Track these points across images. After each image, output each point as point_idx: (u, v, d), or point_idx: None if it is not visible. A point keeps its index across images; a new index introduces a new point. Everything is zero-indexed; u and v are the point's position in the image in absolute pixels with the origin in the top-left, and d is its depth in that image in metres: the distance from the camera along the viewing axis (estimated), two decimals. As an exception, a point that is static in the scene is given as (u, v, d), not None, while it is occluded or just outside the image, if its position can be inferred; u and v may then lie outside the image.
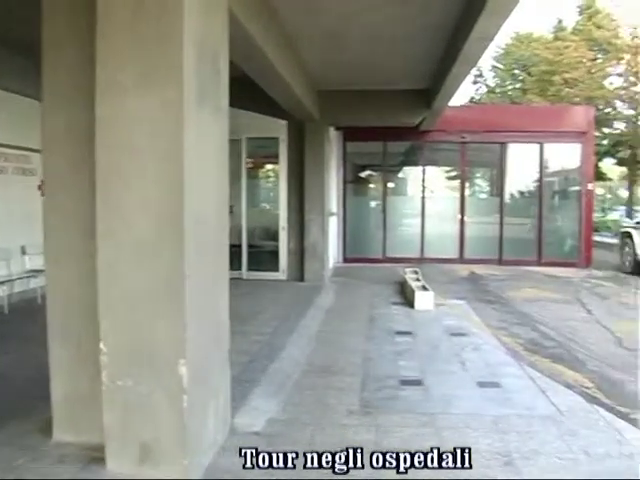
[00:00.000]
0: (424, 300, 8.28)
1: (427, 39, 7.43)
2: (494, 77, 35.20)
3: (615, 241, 15.70)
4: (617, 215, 33.53)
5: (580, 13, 29.17)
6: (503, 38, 33.03)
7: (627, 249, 13.21)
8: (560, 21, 31.58)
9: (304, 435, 3.81)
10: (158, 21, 2.99)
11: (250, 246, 10.83)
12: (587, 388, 5.08)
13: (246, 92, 8.18)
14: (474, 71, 33.66)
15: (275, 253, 10.84)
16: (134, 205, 3.06)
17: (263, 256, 10.97)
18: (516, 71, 33.41)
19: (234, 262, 10.55)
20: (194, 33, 3.10)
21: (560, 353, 6.27)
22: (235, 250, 10.57)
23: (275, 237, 10.86)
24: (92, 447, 3.37)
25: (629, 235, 13.14)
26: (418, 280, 9.62)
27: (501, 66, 34.30)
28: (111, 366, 3.13)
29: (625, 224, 14.56)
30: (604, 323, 7.74)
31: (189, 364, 3.05)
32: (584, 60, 23.92)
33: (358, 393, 4.66)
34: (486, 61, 34.12)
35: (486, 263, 13.62)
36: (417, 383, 4.95)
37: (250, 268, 10.75)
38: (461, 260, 13.92)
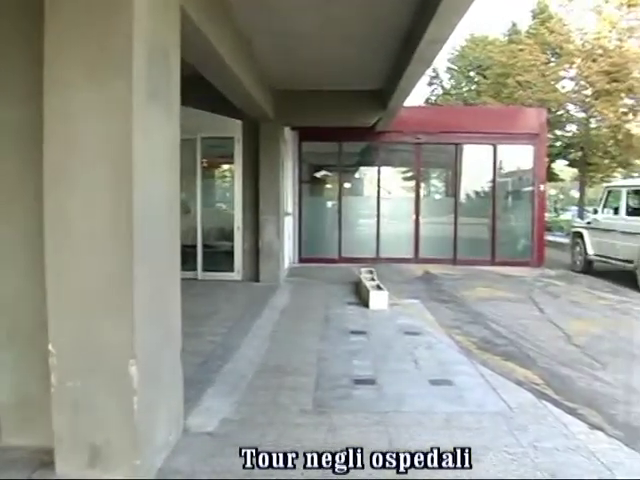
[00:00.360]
0: (379, 300, 8.33)
1: (381, 40, 7.49)
2: (450, 79, 35.68)
3: (567, 241, 16.06)
4: (569, 215, 34.35)
5: (533, 17, 29.79)
6: (458, 40, 33.61)
7: (578, 249, 13.53)
8: (514, 24, 32.22)
9: (257, 435, 3.81)
10: (107, 17, 2.96)
11: (205, 246, 10.74)
12: (537, 385, 5.19)
13: (201, 91, 8.10)
14: (430, 72, 34.06)
15: (230, 253, 10.77)
16: (82, 204, 3.03)
17: (218, 256, 10.89)
18: (471, 73, 33.92)
19: (189, 263, 10.46)
20: (144, 30, 3.08)
21: (512, 351, 6.39)
22: (190, 251, 10.48)
23: (230, 237, 10.80)
24: (42, 450, 3.31)
25: (580, 235, 13.44)
26: (373, 280, 9.67)
27: (457, 68, 34.83)
28: (60, 367, 3.09)
29: (576, 224, 14.84)
30: (555, 321, 7.92)
31: (139, 364, 3.03)
32: (537, 63, 24.31)
33: (312, 393, 4.68)
34: (442, 63, 34.63)
35: (441, 263, 13.79)
36: (370, 382, 5.00)
37: (205, 269, 10.66)
38: (416, 260, 14.06)
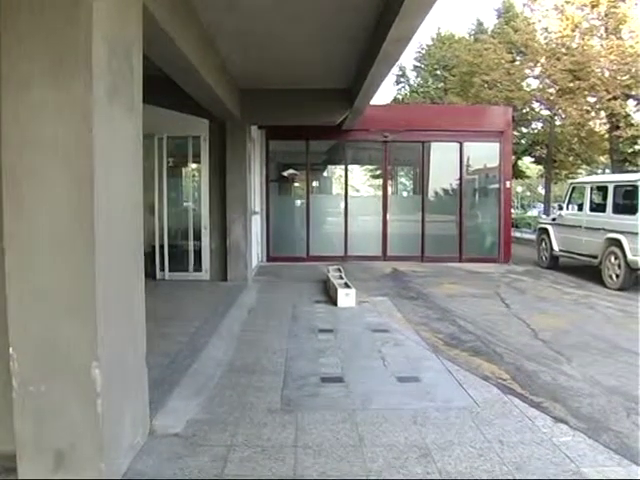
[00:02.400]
0: (347, 298, 8.39)
1: (346, 38, 7.50)
2: (416, 77, 35.97)
3: (534, 237, 16.28)
4: (536, 212, 34.84)
5: (499, 16, 30.18)
6: (425, 39, 34.00)
7: (544, 245, 13.75)
8: (480, 23, 32.64)
9: (225, 435, 3.81)
10: (66, 12, 2.91)
11: (172, 246, 10.64)
12: (503, 380, 5.26)
13: (167, 90, 8.05)
14: (396, 71, 34.41)
15: (197, 253, 10.71)
16: (42, 203, 2.97)
17: (185, 256, 10.80)
18: (438, 72, 34.20)
19: (155, 263, 10.38)
20: (105, 27, 3.04)
21: (478, 346, 6.47)
22: (156, 251, 10.40)
23: (197, 237, 10.73)
24: (5, 456, 3.25)
25: (546, 231, 13.64)
26: (341, 278, 9.73)
27: (423, 66, 35.08)
28: (22, 371, 3.03)
29: (542, 220, 15.09)
30: (521, 316, 8.05)
31: (103, 366, 3.00)
32: (503, 62, 24.55)
33: (279, 392, 4.69)
34: (408, 61, 34.99)
35: (409, 260, 13.91)
36: (338, 380, 5.02)
37: (172, 269, 10.56)
38: (384, 258, 14.17)
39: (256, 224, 12.91)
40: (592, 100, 22.86)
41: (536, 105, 26.17)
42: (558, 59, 22.22)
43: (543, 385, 5.15)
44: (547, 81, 23.62)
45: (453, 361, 5.74)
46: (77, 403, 3.02)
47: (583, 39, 22.10)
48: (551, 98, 23.55)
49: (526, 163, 33.61)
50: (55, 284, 3.00)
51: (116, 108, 3.25)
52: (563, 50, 22.37)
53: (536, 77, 24.93)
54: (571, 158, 27.23)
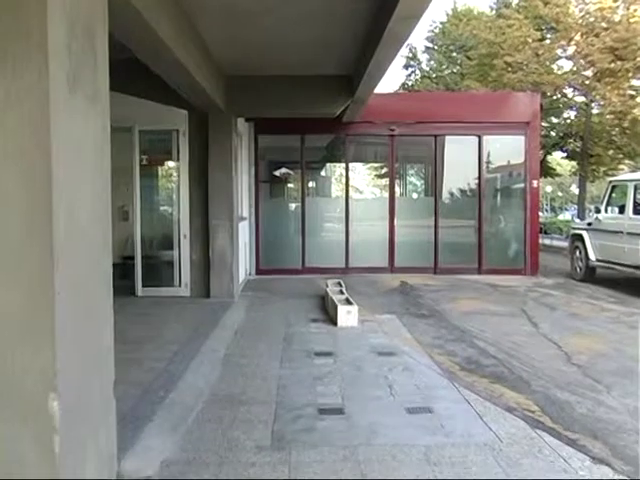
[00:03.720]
0: (348, 316, 8.36)
1: (346, 16, 7.50)
2: (429, 60, 35.86)
3: (566, 244, 16.20)
4: (568, 215, 34.78)
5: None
6: (438, 15, 33.85)
7: (578, 254, 13.68)
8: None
9: (206, 478, 3.77)
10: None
11: (146, 257, 10.59)
12: (531, 411, 5.21)
13: (139, 76, 8.05)
14: (405, 53, 34.31)
15: (176, 265, 10.68)
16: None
17: (161, 269, 10.78)
18: (454, 53, 33.99)
19: (127, 277, 10.34)
20: (62, 4, 3.01)
21: (501, 372, 6.44)
22: (128, 263, 10.36)
23: (176, 246, 10.70)
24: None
25: (580, 238, 13.56)
26: (342, 293, 9.70)
27: (437, 48, 34.95)
28: (-32, 405, 2.99)
29: (576, 225, 14.99)
30: (551, 337, 8.01)
31: (61, 398, 2.95)
32: (530, 41, 24.16)
33: (270, 425, 4.65)
34: (419, 42, 34.87)
35: (420, 272, 13.89)
36: (338, 411, 4.99)
37: (146, 283, 10.52)
38: (391, 269, 14.15)
39: (244, 231, 12.89)
40: (638, 84, 22.52)
41: (569, 91, 25.89)
42: (596, 35, 21.87)
43: (579, 418, 5.09)
44: (582, 62, 23.21)
45: (471, 389, 5.70)
46: (31, 440, 2.96)
47: (628, 9, 21.61)
48: (587, 82, 23.23)
49: (557, 159, 33.55)
50: (5, 304, 2.95)
51: (78, 98, 3.21)
52: (603, 25, 21.95)
53: (569, 58, 24.57)
54: (611, 152, 26.75)
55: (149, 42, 6.00)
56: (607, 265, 12.57)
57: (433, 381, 5.91)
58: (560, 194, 47.30)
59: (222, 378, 5.97)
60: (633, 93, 22.53)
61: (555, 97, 25.81)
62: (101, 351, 3.60)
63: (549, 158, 30.22)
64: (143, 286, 10.49)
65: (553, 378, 6.21)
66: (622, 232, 11.97)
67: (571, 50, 23.99)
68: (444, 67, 34.65)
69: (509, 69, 25.45)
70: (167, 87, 8.48)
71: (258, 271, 14.09)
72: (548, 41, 25.00)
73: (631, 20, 21.19)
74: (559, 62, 25.25)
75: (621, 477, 3.92)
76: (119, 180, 11.85)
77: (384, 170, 15.91)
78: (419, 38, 35.49)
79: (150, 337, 7.51)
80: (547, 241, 22.07)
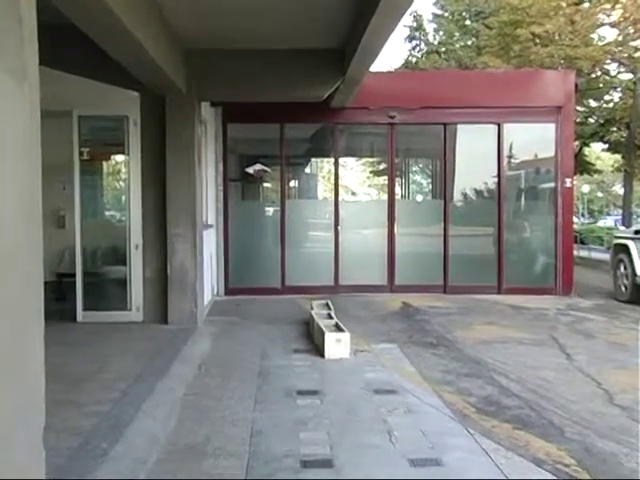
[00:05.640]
0: (337, 345, 8.34)
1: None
2: (437, 30, 35.89)
3: (607, 257, 16.19)
4: (610, 221, 34.80)
5: None
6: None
7: (622, 269, 13.69)
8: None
9: None
10: None
11: (88, 274, 10.53)
12: (565, 465, 5.17)
13: (77, 48, 7.99)
14: (408, 22, 34.31)
15: (125, 283, 10.63)
16: None
17: (107, 288, 10.73)
18: (468, 22, 33.93)
19: (64, 298, 10.27)
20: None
21: (527, 416, 6.39)
22: (65, 281, 10.29)
23: (125, 260, 10.65)
24: None
25: (625, 249, 13.57)
26: (330, 317, 9.70)
27: (447, 15, 34.91)
28: None
29: (621, 234, 14.95)
30: (589, 372, 7.97)
31: (-23, 451, 2.90)
32: (563, 5, 24.05)
33: (241, 483, 4.62)
34: (426, 7, 34.87)
35: (426, 291, 13.91)
36: (325, 464, 4.97)
37: (88, 306, 10.43)
38: (391, 288, 14.17)
39: (210, 242, 12.87)
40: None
41: (612, 67, 25.81)
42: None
43: (626, 475, 5.05)
44: (630, 30, 23.11)
45: (490, 436, 5.68)
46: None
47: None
48: (635, 55, 23.14)
49: (596, 151, 33.53)
50: None
51: (-1, 75, 3.17)
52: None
53: (613, 25, 24.41)
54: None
55: (87, 5, 5.96)
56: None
57: (442, 426, 5.89)
58: (600, 195, 47.40)
59: (182, 424, 5.92)
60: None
61: (594, 75, 25.69)
62: (28, 391, 3.53)
63: (586, 151, 30.14)
64: (84, 310, 10.41)
65: (592, 423, 6.16)
66: None
67: (616, 15, 23.82)
68: (456, 39, 34.60)
69: (536, 41, 25.31)
70: (115, 63, 8.43)
71: (227, 291, 14.08)
72: (587, 4, 24.83)
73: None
74: (600, 31, 25.10)
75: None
76: (53, 178, 11.85)
77: (382, 166, 15.91)
78: (426, 3, 35.47)
79: (92, 373, 7.41)
80: (584, 253, 22.14)
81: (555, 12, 24.07)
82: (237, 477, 4.69)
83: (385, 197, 14.91)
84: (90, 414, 5.93)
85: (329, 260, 14.26)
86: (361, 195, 15.54)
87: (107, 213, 11.48)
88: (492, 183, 14.87)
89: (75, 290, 10.40)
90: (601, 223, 35.73)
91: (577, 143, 22.10)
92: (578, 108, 20.75)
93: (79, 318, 10.37)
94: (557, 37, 24.29)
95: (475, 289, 14.04)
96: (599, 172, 36.22)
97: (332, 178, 14.76)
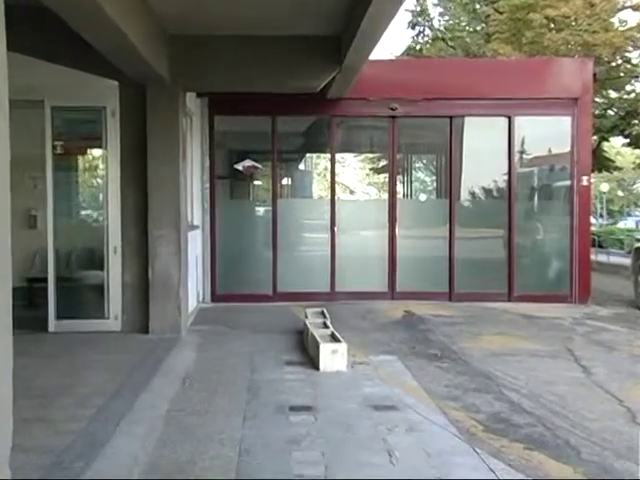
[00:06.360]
0: (333, 357, 8.33)
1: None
2: (443, 15, 35.86)
3: (628, 262, 16.19)
4: (632, 222, 34.81)
5: None
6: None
7: (645, 274, 13.74)
8: None
9: None
10: None
11: (62, 279, 10.53)
12: (583, 489, 5.19)
13: (52, 33, 7.97)
14: (411, 6, 34.29)
15: (102, 289, 10.62)
16: None
17: (83, 295, 10.73)
18: (477, 6, 33.89)
19: (35, 305, 10.25)
20: None
21: (540, 434, 6.36)
22: (36, 287, 10.27)
23: (102, 264, 10.64)
24: None
25: None
26: (325, 326, 9.72)
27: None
28: None
29: None
30: (608, 387, 7.94)
31: None
32: None
33: (228, 507, 4.61)
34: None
35: (430, 298, 13.92)
36: (321, 486, 4.95)
37: (62, 315, 10.43)
38: (392, 295, 14.19)
39: (195, 244, 12.88)
40: None
41: (635, 54, 25.81)
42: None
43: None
44: None
45: (500, 457, 5.65)
46: None
47: None
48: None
49: (616, 146, 33.51)
50: None
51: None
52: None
53: (636, 8, 24.32)
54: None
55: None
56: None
57: (447, 445, 5.87)
58: (620, 194, 47.38)
59: (164, 443, 5.88)
60: None
61: (614, 63, 25.64)
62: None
63: (605, 146, 30.10)
64: (58, 318, 10.41)
65: (611, 443, 6.12)
66: None
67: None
68: (463, 24, 34.55)
69: (551, 26, 25.24)
70: (92, 49, 8.41)
71: (214, 297, 14.08)
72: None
73: None
74: (621, 14, 25.05)
75: None
76: (23, 175, 11.84)
77: (382, 163, 15.96)
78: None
79: (66, 388, 7.41)
80: (602, 257, 22.14)
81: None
82: (224, 501, 4.68)
83: (386, 196, 14.93)
84: (63, 432, 5.92)
85: (325, 264, 14.26)
86: (360, 194, 15.59)
87: (83, 213, 11.46)
88: (502, 181, 14.88)
89: (47, 297, 10.39)
90: (621, 224, 35.79)
91: (595, 138, 22.12)
92: (596, 99, 20.75)
93: (51, 327, 10.36)
94: (574, 22, 24.16)
95: (483, 296, 14.05)
96: (619, 169, 36.24)
97: (328, 175, 14.78)
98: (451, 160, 14.94)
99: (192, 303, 12.08)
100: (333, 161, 14.73)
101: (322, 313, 10.64)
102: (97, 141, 10.89)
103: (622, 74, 26.55)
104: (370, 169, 19.89)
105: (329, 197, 14.61)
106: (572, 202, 14.37)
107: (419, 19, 35.26)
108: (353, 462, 5.43)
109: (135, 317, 10.57)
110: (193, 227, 12.46)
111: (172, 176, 10.55)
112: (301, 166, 17.34)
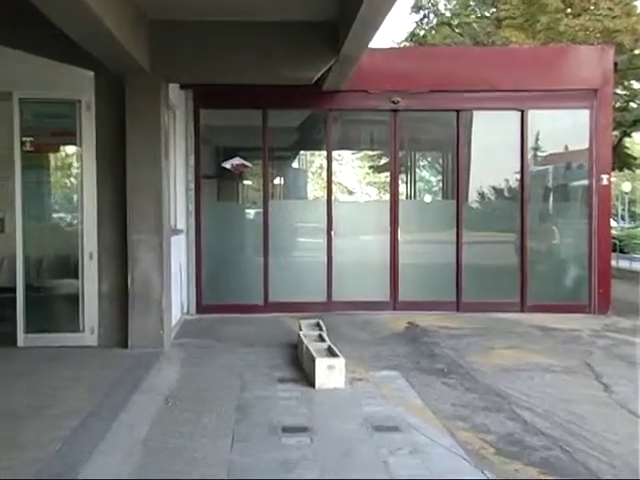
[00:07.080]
0: (330, 373, 8.32)
1: None
2: (449, 0, 35.94)
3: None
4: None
5: None
6: None
7: (672, 282, 13.73)
8: None
9: None
10: None
11: (32, 289, 10.52)
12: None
13: (19, 19, 7.95)
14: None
15: (76, 300, 10.60)
16: None
17: (55, 306, 10.72)
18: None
19: (2, 318, 10.22)
20: None
21: (556, 457, 6.34)
22: (4, 297, 10.24)
23: (77, 272, 10.62)
24: None
25: None
26: (322, 339, 9.70)
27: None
28: None
29: None
30: (631, 407, 7.92)
31: None
32: None
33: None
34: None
35: (435, 309, 13.93)
36: (316, 514, 4.94)
37: (32, 328, 10.41)
38: (394, 305, 14.20)
39: (179, 250, 12.90)
40: None
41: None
42: None
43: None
44: None
45: (512, 482, 5.65)
46: None
47: None
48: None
49: (639, 143, 33.62)
50: None
51: None
52: None
53: None
54: None
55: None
56: None
57: (454, 469, 5.87)
58: (642, 194, 47.47)
59: (144, 469, 5.85)
60: None
61: (637, 52, 25.66)
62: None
63: (627, 142, 30.11)
64: (27, 332, 10.40)
65: (634, 467, 6.10)
66: None
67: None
68: (471, 9, 34.58)
69: (568, 11, 25.23)
70: (65, 36, 8.38)
71: (200, 308, 14.07)
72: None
73: None
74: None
75: None
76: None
77: (383, 161, 15.94)
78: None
79: (37, 409, 7.40)
80: (624, 263, 22.15)
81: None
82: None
83: (387, 197, 14.88)
84: (31, 460, 5.90)
85: (321, 272, 14.27)
86: (359, 195, 15.63)
87: (55, 215, 11.45)
88: (514, 181, 14.89)
89: (15, 308, 10.38)
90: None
91: (616, 133, 22.16)
92: (617, 91, 20.76)
93: (20, 342, 10.36)
94: (593, 6, 24.20)
95: (494, 306, 14.05)
96: (641, 167, 36.35)
97: (324, 174, 14.78)
98: (458, 158, 14.94)
99: (175, 314, 12.09)
100: (330, 159, 14.76)
101: (318, 325, 10.64)
102: (71, 137, 10.84)
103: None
104: (370, 168, 19.88)
105: (325, 198, 14.60)
106: (591, 203, 14.37)
107: (423, 2, 35.29)
108: (353, 488, 5.41)
109: (113, 330, 10.57)
110: (176, 231, 12.46)
111: (153, 175, 10.54)
112: (295, 164, 17.35)
